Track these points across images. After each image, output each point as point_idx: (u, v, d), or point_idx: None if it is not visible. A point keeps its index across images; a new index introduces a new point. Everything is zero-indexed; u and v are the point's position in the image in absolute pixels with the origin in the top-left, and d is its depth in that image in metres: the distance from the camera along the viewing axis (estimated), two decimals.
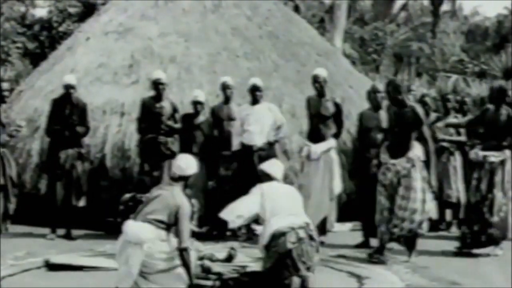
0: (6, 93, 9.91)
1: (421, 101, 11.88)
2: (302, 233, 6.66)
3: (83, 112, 10.31)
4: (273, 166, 7.38)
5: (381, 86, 9.80)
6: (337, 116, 10.10)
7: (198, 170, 6.86)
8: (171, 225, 6.43)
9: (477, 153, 9.14)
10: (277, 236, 6.60)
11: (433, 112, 11.56)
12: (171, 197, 6.48)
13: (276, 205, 6.82)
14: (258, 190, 7.03)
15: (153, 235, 6.37)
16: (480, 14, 43.41)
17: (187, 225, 6.44)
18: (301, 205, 7.08)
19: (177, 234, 6.40)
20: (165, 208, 6.43)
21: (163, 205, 6.45)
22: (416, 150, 8.47)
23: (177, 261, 6.42)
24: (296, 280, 6.61)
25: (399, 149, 8.54)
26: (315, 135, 9.89)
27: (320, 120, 9.95)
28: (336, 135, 10.07)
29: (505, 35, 34.90)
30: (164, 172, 10.02)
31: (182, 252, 6.36)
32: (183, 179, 6.66)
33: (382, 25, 35.52)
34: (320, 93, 10.11)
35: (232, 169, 10.25)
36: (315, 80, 10.13)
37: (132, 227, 6.41)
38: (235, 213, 7.02)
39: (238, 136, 10.19)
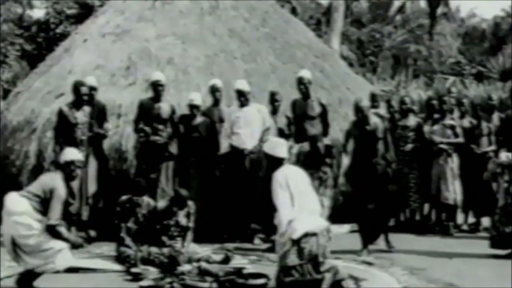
0: (85, 98, 9.84)
1: (428, 104, 11.89)
2: (328, 235, 6.88)
3: (103, 114, 10.30)
4: (277, 147, 7.14)
5: (364, 103, 9.43)
6: (323, 117, 10.13)
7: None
8: (45, 202, 6.88)
9: (509, 156, 9.19)
10: (310, 235, 6.73)
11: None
12: (49, 179, 7.05)
13: (301, 199, 6.85)
14: (283, 180, 6.89)
15: (24, 209, 6.86)
16: (477, 16, 43.50)
17: (58, 207, 6.86)
18: (314, 193, 7.21)
19: (48, 213, 6.85)
20: (42, 187, 6.97)
21: (41, 184, 7.05)
22: None
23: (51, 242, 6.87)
24: (327, 276, 6.75)
25: None
26: (302, 137, 9.88)
27: (307, 121, 9.96)
28: (323, 136, 10.06)
29: (502, 37, 34.98)
30: (161, 174, 10.01)
31: (50, 228, 6.80)
32: (62, 167, 7.17)
33: (379, 27, 35.58)
34: (305, 94, 10.14)
35: (220, 171, 10.22)
36: (300, 82, 10.16)
37: (9, 198, 6.98)
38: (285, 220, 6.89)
39: (227, 139, 10.17)
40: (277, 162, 7.04)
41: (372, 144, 9.26)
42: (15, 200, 6.95)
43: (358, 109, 9.31)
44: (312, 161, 9.37)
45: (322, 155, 9.54)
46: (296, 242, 6.73)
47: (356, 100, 9.52)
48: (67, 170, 7.14)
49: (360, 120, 9.32)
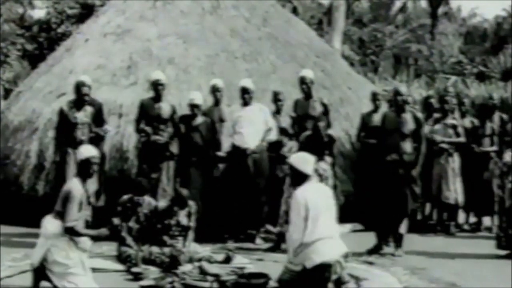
0: (87, 98, 9.85)
1: (426, 103, 11.89)
2: (344, 263, 6.73)
3: (100, 112, 10.27)
4: (306, 162, 6.87)
5: (404, 90, 9.48)
6: (325, 116, 10.11)
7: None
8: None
9: None
10: (325, 266, 6.57)
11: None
12: (66, 186, 7.02)
13: (317, 223, 6.61)
14: (302, 202, 6.64)
15: (57, 230, 6.82)
16: (478, 16, 43.51)
17: (73, 208, 6.79)
18: (334, 214, 6.97)
19: (64, 216, 6.80)
20: (61, 197, 6.93)
21: (60, 196, 6.98)
22: None
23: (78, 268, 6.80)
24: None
25: None
26: None
27: (309, 121, 9.95)
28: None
29: (504, 37, 34.97)
30: (162, 173, 9.99)
31: (67, 230, 6.76)
32: (79, 166, 7.16)
33: (380, 27, 35.59)
34: (308, 94, 10.13)
35: (220, 170, 10.20)
36: (302, 81, 10.15)
37: (45, 221, 6.95)
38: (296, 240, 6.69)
39: (230, 138, 10.15)
40: (302, 178, 6.82)
41: (390, 136, 9.10)
42: (51, 222, 6.89)
43: (396, 93, 9.19)
44: (313, 146, 9.12)
45: (324, 142, 9.41)
46: (308, 270, 6.56)
47: (395, 86, 9.64)
48: (84, 168, 7.09)
49: (397, 107, 9.18)
